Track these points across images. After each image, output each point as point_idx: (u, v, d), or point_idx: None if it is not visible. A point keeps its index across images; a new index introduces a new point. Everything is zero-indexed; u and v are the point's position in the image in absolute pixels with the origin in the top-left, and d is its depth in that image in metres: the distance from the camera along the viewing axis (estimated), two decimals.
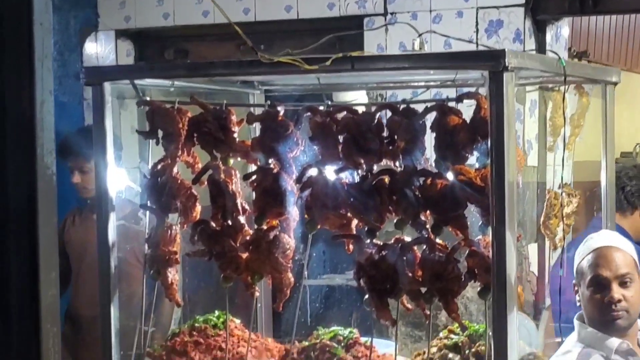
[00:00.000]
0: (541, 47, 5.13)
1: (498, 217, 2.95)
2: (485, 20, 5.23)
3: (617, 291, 2.94)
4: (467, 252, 3.15)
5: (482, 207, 3.11)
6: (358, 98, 4.94)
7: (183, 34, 6.60)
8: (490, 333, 3.30)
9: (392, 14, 5.60)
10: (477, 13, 5.27)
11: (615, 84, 3.67)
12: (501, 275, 2.93)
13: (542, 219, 3.55)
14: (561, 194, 3.42)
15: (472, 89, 3.45)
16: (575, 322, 3.07)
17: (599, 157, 3.67)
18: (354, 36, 5.54)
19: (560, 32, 5.37)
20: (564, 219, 3.49)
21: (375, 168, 3.42)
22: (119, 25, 6.53)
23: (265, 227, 3.61)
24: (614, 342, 2.95)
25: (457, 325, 3.44)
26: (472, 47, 4.61)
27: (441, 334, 3.42)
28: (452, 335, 3.38)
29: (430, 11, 5.41)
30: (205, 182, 3.75)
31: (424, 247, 3.26)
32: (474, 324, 3.34)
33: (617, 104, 3.62)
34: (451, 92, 3.90)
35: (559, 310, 3.40)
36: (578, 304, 3.06)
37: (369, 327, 3.65)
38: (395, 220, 3.33)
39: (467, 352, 3.24)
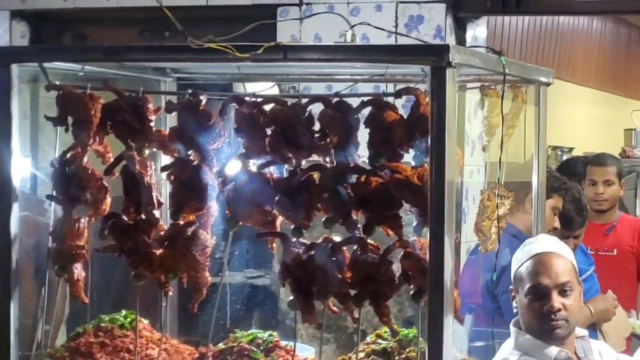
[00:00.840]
0: (461, 45, 5.07)
1: (436, 218, 2.85)
2: (405, 15, 5.16)
3: (557, 300, 2.88)
4: (401, 253, 3.03)
5: (418, 207, 3.01)
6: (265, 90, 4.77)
7: (83, 17, 6.33)
8: (421, 338, 3.25)
9: (307, 4, 5.47)
10: (396, 7, 5.19)
11: (548, 84, 3.64)
12: (438, 278, 2.84)
13: (474, 220, 3.47)
14: (497, 194, 3.36)
15: (404, 85, 3.34)
16: (512, 329, 3.00)
17: (517, 159, 3.63)
18: (266, 26, 5.38)
19: (478, 31, 5.34)
20: (497, 221, 3.43)
21: (304, 163, 3.28)
22: (14, 5, 6.21)
23: (182, 222, 3.43)
24: (553, 350, 2.89)
25: (385, 329, 3.34)
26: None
27: (368, 339, 3.30)
28: (380, 340, 3.27)
29: (348, 3, 5.30)
30: (117, 174, 3.57)
31: (355, 247, 3.14)
32: (403, 329, 3.23)
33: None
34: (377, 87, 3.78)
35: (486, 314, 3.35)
36: (515, 310, 2.99)
37: (292, 330, 3.51)
38: (323, 219, 3.19)
39: (396, 358, 3.14)
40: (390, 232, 3.25)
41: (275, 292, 5.44)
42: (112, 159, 3.65)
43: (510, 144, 3.49)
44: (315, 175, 3.24)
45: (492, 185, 3.45)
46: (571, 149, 7.95)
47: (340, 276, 3.12)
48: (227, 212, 3.34)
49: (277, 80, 4.08)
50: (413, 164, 3.10)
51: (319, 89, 4.52)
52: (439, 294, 2.83)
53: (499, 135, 3.42)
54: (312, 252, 3.16)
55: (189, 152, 3.43)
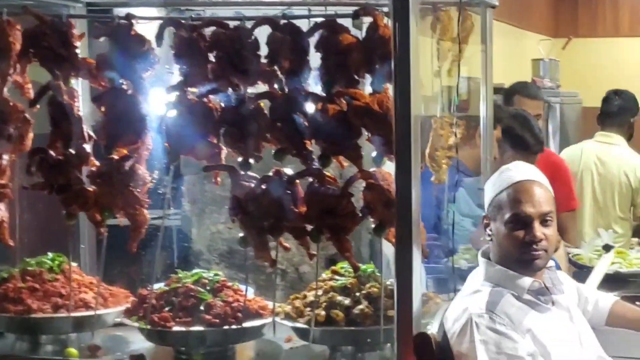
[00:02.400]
0: None
1: (402, 146, 2.70)
2: None
3: (538, 230, 2.78)
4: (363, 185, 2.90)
5: (381, 135, 2.87)
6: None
7: None
8: (378, 272, 3.13)
9: None
10: None
11: (493, 6, 3.53)
12: (405, 210, 2.70)
13: (427, 150, 3.35)
14: (455, 122, 3.24)
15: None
16: (481, 260, 2.89)
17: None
18: None
19: None
20: (447, 150, 3.32)
21: (250, 91, 3.10)
22: None
23: (116, 157, 3.21)
24: (526, 281, 2.80)
25: (340, 265, 3.21)
26: None
27: (324, 275, 3.16)
28: (337, 277, 3.13)
29: None
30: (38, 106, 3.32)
31: (310, 180, 2.98)
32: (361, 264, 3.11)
33: None
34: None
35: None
36: (488, 238, 2.88)
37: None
38: (274, 150, 3.02)
39: (357, 294, 3.01)
40: (345, 164, 3.12)
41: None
42: (31, 91, 3.40)
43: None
44: (262, 104, 3.06)
45: (444, 115, 3.34)
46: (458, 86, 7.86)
47: (296, 211, 2.96)
48: (166, 144, 3.13)
49: (210, 5, 3.84)
50: (370, 90, 2.94)
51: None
52: (407, 226, 2.70)
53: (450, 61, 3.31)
54: (265, 186, 2.99)
55: (122, 82, 3.20)
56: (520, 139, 4.04)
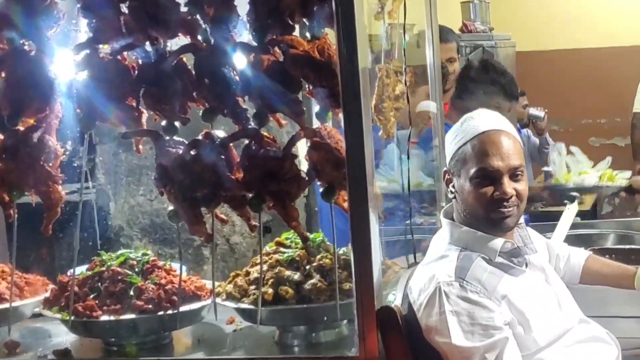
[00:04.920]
0: None
1: (350, 98, 2.47)
2: None
3: (508, 185, 2.57)
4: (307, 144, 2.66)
5: (324, 86, 2.62)
6: None
7: None
8: (329, 243, 2.91)
9: None
10: None
11: None
12: (358, 170, 2.49)
13: (373, 102, 3.11)
14: (404, 70, 3.01)
15: None
16: (445, 221, 2.67)
17: None
18: None
19: None
20: (395, 101, 3.09)
21: (170, 45, 2.82)
22: None
23: (22, 128, 2.92)
24: (498, 242, 2.59)
25: (284, 236, 2.97)
26: None
27: (267, 248, 2.92)
28: (282, 249, 2.89)
29: None
30: None
31: (246, 142, 2.73)
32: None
33: None
34: None
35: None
36: (451, 196, 2.66)
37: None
38: (202, 111, 2.76)
39: (307, 267, 2.78)
40: (284, 122, 2.88)
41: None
42: None
43: None
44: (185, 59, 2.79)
45: (389, 61, 3.11)
46: (412, 25, 7.66)
47: (232, 177, 2.70)
48: (78, 110, 2.85)
49: None
50: (308, 36, 2.69)
51: None
52: (360, 188, 2.48)
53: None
54: (195, 152, 2.73)
55: (23, 42, 2.90)
56: (495, 86, 3.86)
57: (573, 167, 5.51)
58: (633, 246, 3.61)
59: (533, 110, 6.54)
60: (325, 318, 2.72)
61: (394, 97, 3.16)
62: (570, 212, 3.61)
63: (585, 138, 8.78)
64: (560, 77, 8.77)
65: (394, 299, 2.70)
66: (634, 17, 8.88)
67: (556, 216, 3.88)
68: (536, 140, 6.65)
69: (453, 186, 2.65)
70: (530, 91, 7.57)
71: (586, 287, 2.95)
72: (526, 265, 2.66)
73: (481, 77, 3.89)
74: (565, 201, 3.76)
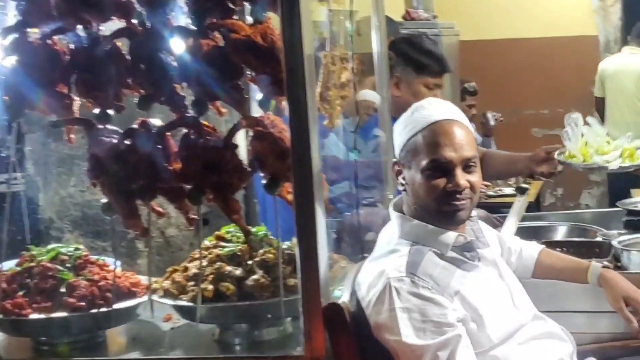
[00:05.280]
0: None
1: (295, 85, 2.39)
2: None
3: (461, 177, 2.50)
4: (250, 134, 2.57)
5: (267, 72, 2.53)
6: None
7: None
8: (272, 237, 2.82)
9: None
10: None
11: None
12: (303, 160, 2.40)
13: (318, 90, 3.02)
14: (351, 55, 2.92)
15: None
16: (394, 214, 2.59)
17: None
18: None
19: None
20: (340, 89, 3.02)
21: (104, 29, 2.71)
22: None
23: None
24: (450, 236, 2.52)
25: (224, 229, 2.87)
26: None
27: (207, 242, 2.82)
28: (223, 244, 2.79)
29: None
30: None
31: (184, 132, 2.64)
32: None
33: None
34: None
35: None
36: (401, 188, 2.59)
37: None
38: (137, 98, 2.66)
39: (249, 262, 2.68)
40: (224, 110, 2.78)
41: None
42: None
43: None
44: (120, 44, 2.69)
45: (335, 48, 3.03)
46: (355, 12, 7.59)
47: (170, 168, 2.61)
48: (5, 98, 2.73)
49: None
50: (250, 20, 2.60)
51: None
52: (306, 180, 2.40)
53: None
54: (130, 141, 2.63)
55: None
56: (420, 60, 3.77)
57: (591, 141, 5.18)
58: (584, 239, 3.58)
59: (490, 114, 6.58)
60: (269, 316, 2.63)
61: (340, 85, 3.09)
62: (520, 204, 3.56)
63: (528, 128, 8.81)
64: (503, 67, 8.78)
65: (341, 295, 2.62)
66: (576, 7, 8.93)
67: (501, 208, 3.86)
68: (479, 137, 6.66)
69: (403, 178, 2.58)
70: (473, 80, 7.58)
71: (538, 282, 2.90)
72: (479, 260, 2.60)
73: (408, 51, 3.79)
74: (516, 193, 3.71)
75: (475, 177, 2.54)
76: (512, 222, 3.38)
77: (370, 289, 2.46)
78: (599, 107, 8.28)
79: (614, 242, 3.32)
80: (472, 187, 2.53)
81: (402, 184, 2.58)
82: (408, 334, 2.37)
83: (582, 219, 4.01)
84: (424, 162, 2.50)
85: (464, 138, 2.53)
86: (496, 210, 4.36)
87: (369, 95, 3.50)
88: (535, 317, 2.63)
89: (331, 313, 2.42)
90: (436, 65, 3.80)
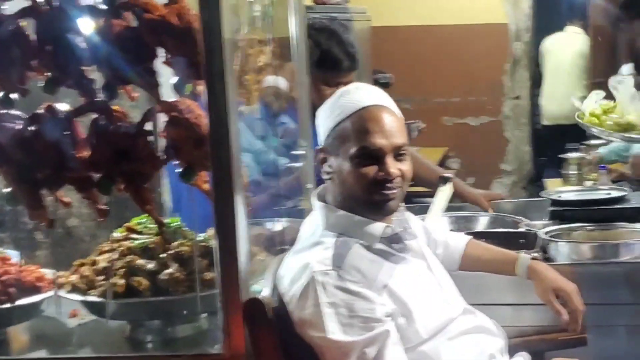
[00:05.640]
0: None
1: (214, 68, 2.29)
2: None
3: (393, 165, 2.43)
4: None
5: (182, 55, 2.44)
6: None
7: None
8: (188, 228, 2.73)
9: None
10: None
11: None
12: (222, 148, 2.31)
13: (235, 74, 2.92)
14: (269, 38, 2.83)
15: None
16: (318, 204, 2.50)
17: None
18: None
19: None
20: (258, 74, 2.93)
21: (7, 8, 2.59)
22: None
23: None
24: (377, 227, 2.44)
25: (135, 220, 2.76)
26: None
27: (116, 234, 2.70)
28: (134, 236, 2.68)
29: None
30: None
31: (94, 117, 2.52)
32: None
33: None
34: None
35: None
36: (327, 177, 2.50)
37: None
38: (43, 81, 2.54)
39: (162, 255, 2.58)
40: (136, 94, 2.67)
41: None
42: None
43: None
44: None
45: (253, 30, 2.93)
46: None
47: (78, 156, 2.49)
48: None
49: None
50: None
51: None
52: (224, 168, 2.30)
53: None
54: (36, 127, 2.51)
55: None
56: (330, 54, 3.64)
57: None
58: (508, 229, 3.55)
59: (414, 124, 6.59)
60: (185, 312, 2.54)
61: (257, 69, 3.00)
62: (443, 193, 3.52)
63: (438, 117, 8.83)
64: (413, 54, 8.78)
65: (261, 290, 2.54)
66: None
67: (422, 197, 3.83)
68: None
69: (329, 166, 2.49)
70: (384, 67, 7.54)
71: (462, 274, 2.84)
72: (407, 252, 2.54)
73: (318, 41, 3.65)
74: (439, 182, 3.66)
75: (406, 166, 2.47)
76: (436, 212, 3.33)
77: (294, 283, 2.38)
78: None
79: (541, 233, 3.30)
80: (402, 176, 2.46)
81: (328, 172, 2.50)
82: (334, 330, 2.29)
83: (503, 209, 3.98)
84: (353, 150, 2.42)
85: (395, 125, 2.46)
86: (414, 201, 4.32)
87: (273, 80, 3.40)
88: (466, 311, 2.58)
89: (251, 308, 2.33)
90: (342, 62, 3.65)
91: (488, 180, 8.67)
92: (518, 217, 3.74)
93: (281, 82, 3.50)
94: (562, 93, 8.62)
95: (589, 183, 5.10)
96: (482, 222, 3.85)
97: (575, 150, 6.12)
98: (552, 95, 8.89)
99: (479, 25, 8.79)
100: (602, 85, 8.68)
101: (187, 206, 2.82)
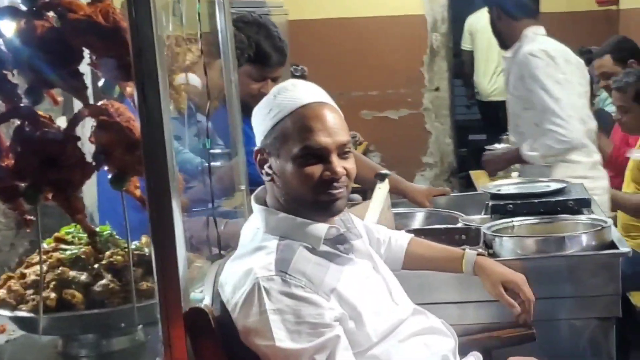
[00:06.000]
0: None
1: (145, 68, 2.21)
2: None
3: (338, 163, 2.38)
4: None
5: (109, 56, 2.36)
6: None
7: None
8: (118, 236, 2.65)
9: None
10: None
11: None
12: (156, 152, 2.23)
13: None
14: (199, 34, 2.75)
15: None
16: (257, 207, 2.43)
17: None
18: None
19: None
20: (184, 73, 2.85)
21: None
22: None
23: None
24: (321, 228, 2.38)
25: (64, 230, 2.67)
26: None
27: (45, 246, 2.60)
28: (64, 246, 2.58)
29: None
30: None
31: (17, 123, 2.43)
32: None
33: None
34: None
35: None
36: (267, 178, 2.43)
37: None
38: None
39: (96, 266, 2.49)
40: (60, 99, 2.58)
41: None
42: None
43: None
44: None
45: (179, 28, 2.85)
46: None
47: (2, 165, 2.40)
48: None
49: None
50: None
51: None
52: (160, 173, 2.22)
53: None
54: None
55: None
56: (261, 48, 3.58)
57: None
58: (447, 225, 3.53)
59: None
60: (122, 324, 2.46)
61: (185, 68, 2.93)
62: (381, 191, 3.48)
63: (357, 111, 8.81)
64: (330, 47, 8.75)
65: (202, 299, 2.47)
66: None
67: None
68: None
69: (269, 167, 2.43)
70: (301, 62, 7.50)
71: (405, 273, 2.81)
72: (352, 253, 2.49)
73: (247, 35, 3.59)
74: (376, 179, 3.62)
75: (350, 164, 2.42)
76: (375, 210, 3.29)
77: (237, 290, 2.30)
78: (465, 59, 9.24)
79: (484, 228, 3.28)
80: (348, 174, 2.41)
81: (269, 174, 2.43)
82: (282, 338, 2.23)
83: (437, 204, 3.96)
84: (295, 149, 2.36)
85: (337, 122, 2.41)
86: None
87: (190, 79, 3.32)
88: (416, 312, 2.54)
89: (193, 318, 2.26)
90: (270, 57, 3.61)
91: (410, 174, 8.67)
92: (456, 212, 3.72)
93: (194, 80, 3.42)
94: (495, 69, 8.82)
95: (515, 174, 5.14)
96: (418, 219, 3.82)
97: (499, 142, 6.18)
98: (486, 73, 9.02)
99: (396, 17, 8.80)
100: None
101: (113, 213, 2.73)
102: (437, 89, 9.09)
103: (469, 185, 7.00)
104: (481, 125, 9.60)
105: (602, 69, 5.65)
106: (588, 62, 5.99)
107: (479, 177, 6.25)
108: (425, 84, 9.04)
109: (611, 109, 5.70)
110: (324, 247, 2.40)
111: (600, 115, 5.90)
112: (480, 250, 2.81)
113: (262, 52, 3.56)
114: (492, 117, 8.50)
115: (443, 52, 9.05)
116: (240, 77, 3.29)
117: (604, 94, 6.21)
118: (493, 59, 8.85)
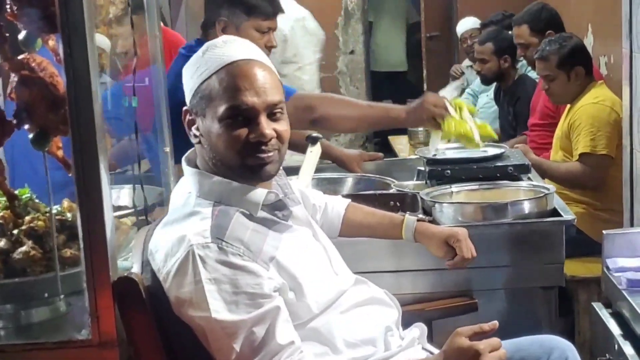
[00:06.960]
0: None
1: (71, 18, 2.13)
2: None
3: (267, 125, 2.30)
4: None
5: (31, 6, 2.27)
6: None
7: None
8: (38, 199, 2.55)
9: None
10: None
11: None
12: (83, 108, 2.16)
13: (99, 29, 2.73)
14: None
15: None
16: (189, 170, 2.32)
17: None
18: None
19: None
20: (109, 27, 2.76)
21: None
22: None
23: None
24: (259, 193, 2.29)
25: None
26: None
27: None
28: None
29: None
30: None
31: None
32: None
33: None
34: None
35: None
36: (195, 140, 2.34)
37: None
38: None
39: (15, 232, 2.39)
40: None
41: None
42: None
43: None
44: None
45: None
46: None
47: None
48: None
49: None
50: None
51: None
52: (86, 132, 2.16)
53: None
54: None
55: None
56: (250, 1, 3.53)
57: None
58: (381, 191, 3.48)
59: None
60: (46, 294, 2.36)
61: (108, 21, 2.83)
62: (313, 154, 3.43)
63: None
64: None
65: (130, 267, 2.39)
66: None
67: None
68: None
69: (197, 128, 2.34)
70: None
71: (340, 241, 2.75)
72: (291, 219, 2.43)
73: None
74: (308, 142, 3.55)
75: (283, 126, 2.34)
76: (307, 174, 3.24)
77: (169, 258, 2.22)
78: None
79: (422, 195, 3.25)
80: (279, 137, 2.32)
81: (196, 136, 2.34)
82: (218, 309, 2.16)
83: (365, 169, 3.92)
84: (221, 110, 2.27)
85: (268, 80, 2.32)
86: None
87: (97, 40, 3.23)
88: (357, 282, 2.49)
89: (122, 288, 2.20)
90: (268, 6, 3.57)
91: (326, 137, 8.62)
92: (387, 178, 3.68)
93: (102, 41, 3.32)
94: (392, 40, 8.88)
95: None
96: (348, 184, 3.78)
97: None
98: (382, 43, 9.13)
99: None
100: (435, 38, 8.94)
101: (27, 175, 2.64)
102: (352, 52, 9.06)
103: (386, 151, 7.00)
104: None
105: (519, 39, 5.67)
106: (509, 28, 6.04)
107: (398, 143, 6.26)
108: (339, 47, 8.98)
109: (534, 75, 5.75)
110: (261, 214, 2.33)
111: (524, 80, 5.95)
112: (420, 216, 2.77)
113: (255, 5, 3.53)
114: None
115: (358, 14, 9.01)
116: (242, 34, 3.29)
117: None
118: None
